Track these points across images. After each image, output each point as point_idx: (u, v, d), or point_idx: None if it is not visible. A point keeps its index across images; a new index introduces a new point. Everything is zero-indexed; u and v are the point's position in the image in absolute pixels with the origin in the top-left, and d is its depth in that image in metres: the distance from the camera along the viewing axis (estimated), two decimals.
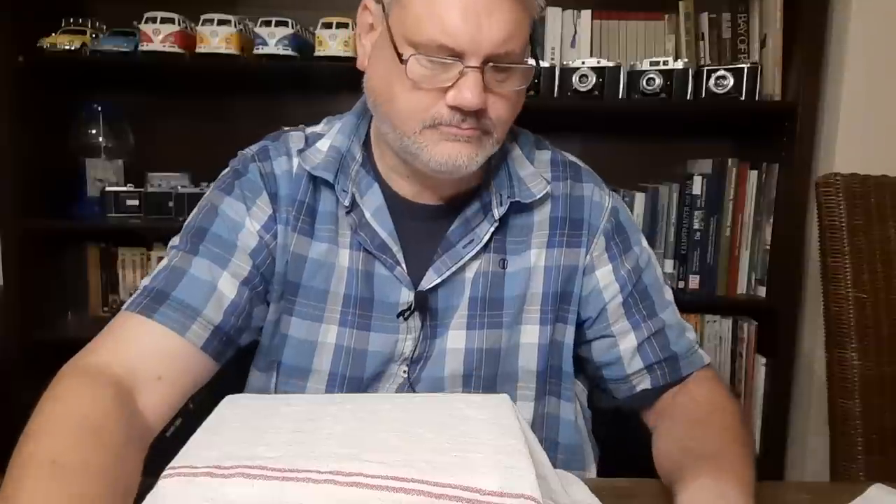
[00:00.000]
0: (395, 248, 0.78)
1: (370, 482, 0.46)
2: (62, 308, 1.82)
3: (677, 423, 0.78)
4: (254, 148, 0.83)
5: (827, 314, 1.05)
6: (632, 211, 1.67)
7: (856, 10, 1.52)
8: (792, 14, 1.60)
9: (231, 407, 0.61)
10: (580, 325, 0.84)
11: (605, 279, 0.83)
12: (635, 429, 0.84)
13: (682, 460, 0.67)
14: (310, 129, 0.85)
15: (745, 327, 1.72)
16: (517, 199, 0.79)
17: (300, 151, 0.80)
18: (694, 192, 1.67)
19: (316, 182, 0.79)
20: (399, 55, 0.69)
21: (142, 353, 0.70)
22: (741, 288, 1.69)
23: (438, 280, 0.78)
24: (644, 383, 0.83)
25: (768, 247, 1.66)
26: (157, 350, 0.70)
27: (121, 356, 0.69)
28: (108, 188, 1.70)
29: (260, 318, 0.80)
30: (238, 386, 0.85)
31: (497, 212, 0.79)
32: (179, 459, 0.50)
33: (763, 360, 1.70)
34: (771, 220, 1.65)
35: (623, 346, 0.83)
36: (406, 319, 0.78)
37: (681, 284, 1.69)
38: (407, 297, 0.78)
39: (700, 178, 1.66)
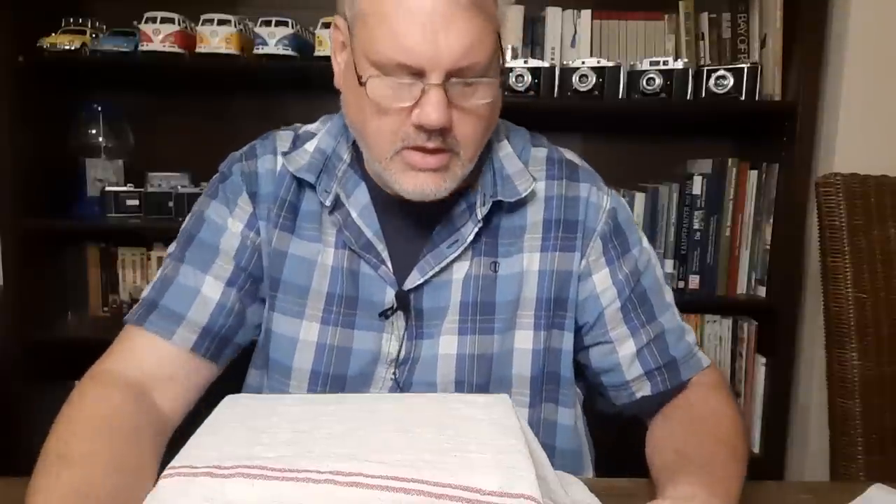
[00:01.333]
0: (381, 247, 0.78)
1: (370, 482, 0.46)
2: (62, 308, 1.82)
3: (673, 422, 0.77)
4: (244, 148, 0.84)
5: (827, 314, 1.05)
6: (632, 211, 1.67)
7: (856, 9, 1.52)
8: (792, 14, 1.60)
9: (231, 407, 0.61)
10: (577, 331, 0.83)
11: (602, 284, 0.81)
12: (634, 431, 0.84)
13: (674, 463, 0.67)
14: (303, 129, 0.85)
15: (745, 327, 1.72)
16: (499, 198, 0.78)
17: (285, 154, 0.80)
18: (694, 192, 1.67)
19: (301, 182, 0.80)
20: (359, 77, 0.68)
21: (146, 360, 0.74)
22: (741, 288, 1.69)
23: (422, 280, 0.77)
24: (644, 390, 0.81)
25: (768, 247, 1.66)
26: (156, 356, 0.75)
27: (130, 363, 0.74)
28: (108, 188, 1.70)
29: (257, 316, 0.82)
30: (237, 386, 0.85)
31: (480, 212, 0.77)
32: (179, 459, 0.50)
33: (763, 360, 1.70)
34: (771, 220, 1.65)
35: (622, 353, 0.81)
36: (388, 318, 0.78)
37: (681, 284, 1.69)
38: (392, 296, 0.78)
39: (700, 178, 1.66)
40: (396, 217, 0.79)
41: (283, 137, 0.83)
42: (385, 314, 0.78)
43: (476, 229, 0.78)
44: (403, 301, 0.77)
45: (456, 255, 0.78)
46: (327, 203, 0.78)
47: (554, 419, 0.82)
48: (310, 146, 0.81)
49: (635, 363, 0.81)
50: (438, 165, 0.70)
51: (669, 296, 0.85)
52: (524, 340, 0.80)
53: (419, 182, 0.71)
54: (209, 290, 0.77)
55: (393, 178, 0.72)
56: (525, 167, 0.81)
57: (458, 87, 0.67)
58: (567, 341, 0.82)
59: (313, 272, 0.79)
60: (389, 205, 0.78)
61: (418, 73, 0.66)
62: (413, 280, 0.77)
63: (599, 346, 0.82)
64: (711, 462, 0.66)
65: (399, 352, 0.78)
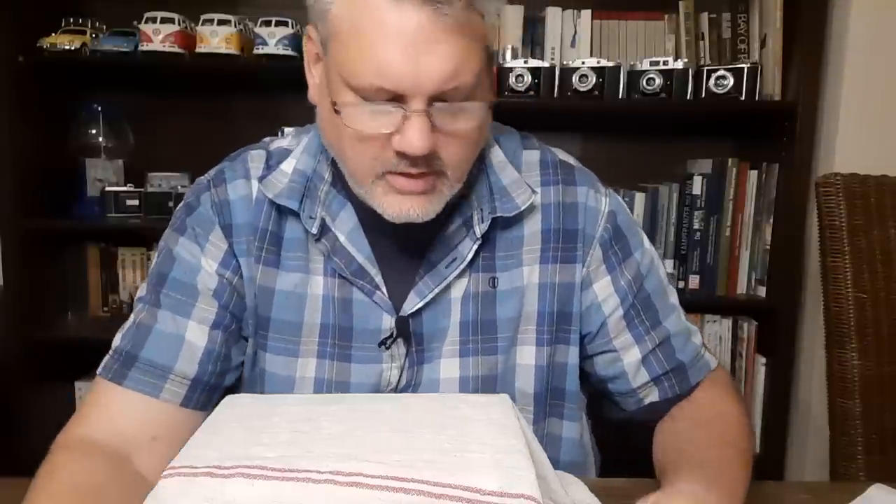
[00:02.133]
0: (374, 272, 0.73)
1: (370, 482, 0.46)
2: (62, 308, 1.82)
3: (679, 422, 0.76)
4: (211, 172, 0.78)
5: (827, 314, 1.05)
6: (632, 211, 1.67)
7: (856, 9, 1.52)
8: (792, 14, 1.60)
9: (231, 407, 0.61)
10: (580, 340, 0.80)
11: (603, 292, 0.78)
12: (636, 432, 0.83)
13: (676, 461, 0.67)
14: (275, 145, 0.79)
15: (745, 327, 1.72)
16: (499, 214, 0.73)
17: (261, 178, 0.74)
18: (694, 192, 1.67)
19: (280, 207, 0.74)
20: (333, 104, 0.63)
21: (126, 421, 0.68)
22: (741, 288, 1.69)
23: (421, 304, 0.73)
24: (652, 396, 0.79)
25: (768, 247, 1.66)
26: (139, 416, 0.68)
27: (107, 426, 0.67)
28: (108, 188, 1.70)
29: (240, 355, 0.76)
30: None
31: (479, 229, 0.73)
32: (179, 459, 0.50)
33: (763, 360, 1.70)
34: (771, 220, 1.65)
35: (626, 360, 0.78)
36: (388, 348, 0.73)
37: (681, 284, 1.69)
38: (389, 323, 0.73)
39: (700, 178, 1.66)
40: (387, 237, 0.73)
41: (255, 158, 0.77)
42: (384, 343, 0.73)
43: (475, 247, 0.73)
44: (403, 327, 0.73)
45: (456, 273, 0.73)
46: (314, 230, 0.72)
47: (559, 434, 0.79)
48: (287, 167, 0.75)
49: (641, 370, 0.78)
50: (425, 188, 0.66)
51: (674, 297, 0.82)
52: (527, 356, 0.77)
53: (405, 206, 0.66)
54: (194, 336, 0.71)
55: (376, 202, 0.67)
56: (520, 175, 0.77)
57: (442, 111, 0.62)
58: (573, 355, 0.79)
59: (304, 306, 0.74)
60: (379, 225, 0.70)
61: (399, 98, 0.61)
62: (411, 304, 0.73)
63: (603, 355, 0.79)
64: (716, 463, 0.65)
65: (399, 379, 0.74)
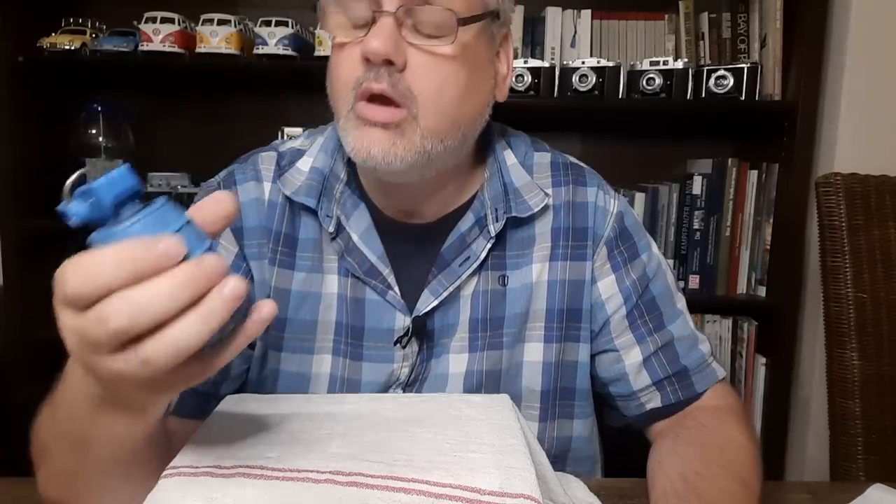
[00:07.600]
0: (387, 271, 0.73)
1: (370, 482, 0.46)
2: None
3: (683, 444, 0.71)
4: (221, 174, 0.78)
5: (827, 314, 1.05)
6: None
7: (856, 9, 1.52)
8: (792, 14, 1.60)
9: (231, 407, 0.61)
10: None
11: (607, 291, 0.78)
12: (637, 436, 0.82)
13: (680, 493, 0.62)
14: (286, 146, 0.79)
15: (745, 327, 1.72)
16: (513, 213, 0.74)
17: (279, 175, 0.75)
18: (694, 192, 1.67)
19: (294, 207, 0.74)
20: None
21: None
22: (741, 288, 1.70)
23: (436, 302, 0.73)
24: (654, 401, 0.78)
25: (768, 247, 1.66)
26: None
27: None
28: None
29: (242, 364, 0.76)
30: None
31: (493, 228, 0.74)
32: (179, 459, 0.50)
33: (763, 360, 1.70)
34: (771, 220, 1.65)
35: (628, 362, 0.78)
36: (404, 347, 0.74)
37: (681, 284, 1.69)
38: (403, 322, 0.74)
39: (700, 178, 1.66)
40: (400, 237, 0.75)
41: (265, 160, 0.77)
42: (400, 341, 0.73)
43: (489, 245, 0.74)
44: (418, 326, 0.73)
45: (469, 272, 0.74)
46: (330, 229, 0.72)
47: (568, 434, 0.79)
48: (304, 165, 0.75)
49: (642, 372, 0.78)
50: (388, 119, 0.64)
51: (681, 303, 0.82)
52: (534, 353, 0.77)
53: (367, 140, 0.64)
54: None
55: (346, 139, 0.66)
56: (532, 179, 0.78)
57: (414, 17, 0.63)
58: (583, 353, 0.78)
59: (319, 305, 0.74)
60: (391, 224, 0.74)
61: (376, 3, 0.62)
62: (425, 303, 0.73)
63: (606, 355, 0.79)
64: (727, 502, 0.61)
65: (410, 375, 0.75)
